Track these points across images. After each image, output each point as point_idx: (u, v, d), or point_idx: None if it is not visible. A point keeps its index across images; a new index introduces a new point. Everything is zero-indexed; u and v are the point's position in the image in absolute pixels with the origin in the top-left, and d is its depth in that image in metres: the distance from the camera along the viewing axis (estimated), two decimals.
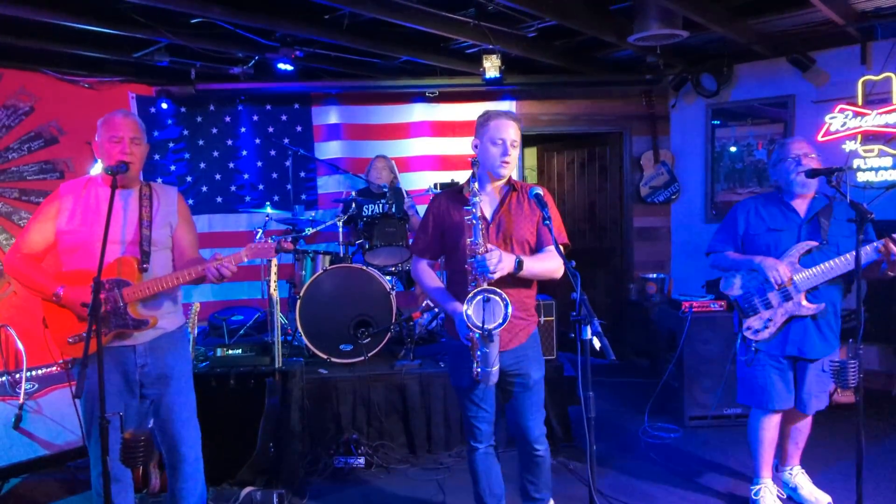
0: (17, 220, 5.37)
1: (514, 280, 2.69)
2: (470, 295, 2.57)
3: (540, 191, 2.67)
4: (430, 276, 2.93)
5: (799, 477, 3.55)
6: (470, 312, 2.55)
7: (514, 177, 2.90)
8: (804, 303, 3.19)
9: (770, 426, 3.36)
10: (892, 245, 2.96)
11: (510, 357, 2.79)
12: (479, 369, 2.63)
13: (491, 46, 5.13)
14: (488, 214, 2.80)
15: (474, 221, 2.60)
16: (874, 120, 5.30)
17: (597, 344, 2.05)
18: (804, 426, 3.49)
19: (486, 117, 2.81)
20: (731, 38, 5.17)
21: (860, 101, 5.39)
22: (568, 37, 5.47)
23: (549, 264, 2.71)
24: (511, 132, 2.75)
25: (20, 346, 4.23)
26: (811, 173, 3.15)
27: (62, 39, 4.79)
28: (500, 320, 2.51)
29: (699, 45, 5.80)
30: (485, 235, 2.64)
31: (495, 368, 2.62)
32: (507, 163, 2.75)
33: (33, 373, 4.11)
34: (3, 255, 2.92)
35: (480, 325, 2.52)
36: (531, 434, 2.88)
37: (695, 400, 4.73)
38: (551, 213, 2.65)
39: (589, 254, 7.24)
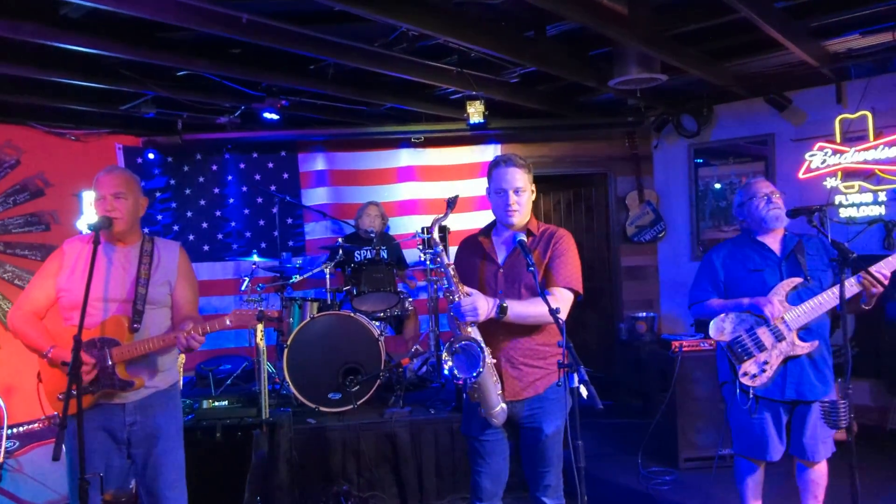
0: (2, 273, 5.34)
1: (519, 327, 2.63)
2: (447, 345, 2.53)
3: (524, 237, 2.66)
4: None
5: None
6: (451, 363, 2.51)
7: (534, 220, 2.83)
8: (797, 342, 3.12)
9: (758, 473, 3.32)
10: (870, 277, 2.97)
11: (525, 408, 2.70)
12: (482, 410, 2.62)
13: (474, 93, 5.20)
14: (500, 261, 2.77)
15: (442, 270, 2.60)
16: (853, 157, 5.37)
17: (584, 392, 2.04)
18: (818, 476, 3.23)
19: (490, 167, 2.78)
20: (709, 80, 5.28)
21: (838, 139, 5.48)
22: (550, 82, 5.57)
23: (539, 308, 2.48)
24: (514, 179, 2.68)
25: (1, 403, 4.15)
26: (793, 213, 3.18)
27: (49, 94, 4.82)
28: (475, 372, 2.48)
29: (678, 88, 5.91)
30: (458, 282, 2.59)
31: (497, 409, 2.60)
32: (513, 211, 2.71)
33: (14, 430, 4.02)
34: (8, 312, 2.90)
35: (458, 375, 2.50)
36: (539, 488, 2.75)
37: (688, 441, 4.68)
38: (564, 259, 2.66)
39: None
